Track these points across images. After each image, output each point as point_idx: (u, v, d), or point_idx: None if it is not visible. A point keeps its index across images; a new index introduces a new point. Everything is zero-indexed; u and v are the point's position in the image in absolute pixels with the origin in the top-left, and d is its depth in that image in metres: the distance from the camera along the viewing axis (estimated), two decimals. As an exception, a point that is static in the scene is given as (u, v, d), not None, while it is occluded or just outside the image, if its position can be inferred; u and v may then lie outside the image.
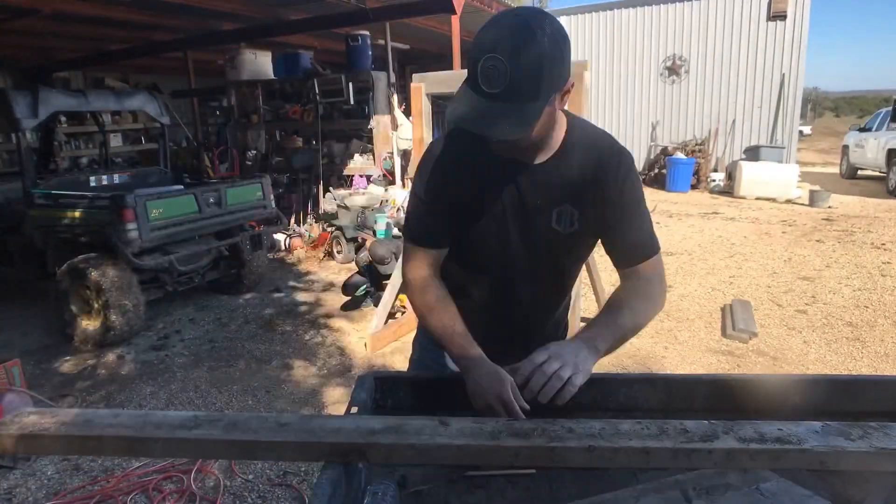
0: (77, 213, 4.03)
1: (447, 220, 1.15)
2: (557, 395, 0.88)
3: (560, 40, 0.93)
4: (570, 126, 1.12)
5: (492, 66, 0.89)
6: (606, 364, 3.76)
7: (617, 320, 1.07)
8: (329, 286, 5.36)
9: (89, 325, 4.00)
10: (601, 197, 1.11)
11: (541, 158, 1.10)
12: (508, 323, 1.24)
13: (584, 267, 3.69)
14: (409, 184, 6.53)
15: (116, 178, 5.01)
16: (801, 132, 13.76)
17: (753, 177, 9.30)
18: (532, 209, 1.12)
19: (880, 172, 10.60)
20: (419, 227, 1.19)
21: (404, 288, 1.25)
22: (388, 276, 4.36)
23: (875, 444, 0.85)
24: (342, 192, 6.64)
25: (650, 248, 1.15)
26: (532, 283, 1.20)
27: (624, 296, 1.13)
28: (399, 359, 3.72)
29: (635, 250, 1.15)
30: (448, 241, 1.19)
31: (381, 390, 1.17)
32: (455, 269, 1.22)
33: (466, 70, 0.94)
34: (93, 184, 4.78)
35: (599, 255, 5.28)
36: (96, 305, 3.93)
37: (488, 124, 0.92)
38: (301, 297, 5.08)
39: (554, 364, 0.91)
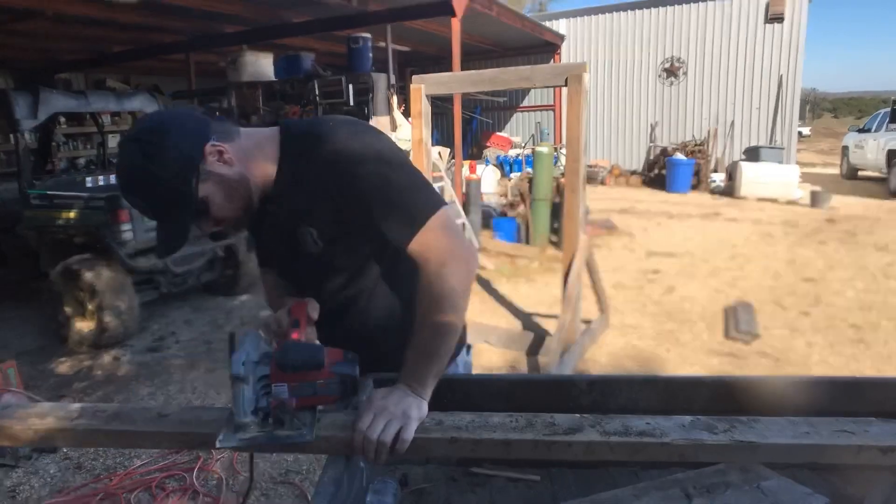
0: (72, 214, 4.02)
1: (260, 251, 1.28)
2: (394, 452, 0.87)
3: (151, 138, 0.97)
4: (282, 155, 1.08)
5: (134, 205, 1.02)
6: (607, 365, 3.73)
7: (424, 344, 0.99)
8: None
9: (84, 326, 3.98)
10: (329, 209, 1.05)
11: (260, 200, 1.09)
12: (329, 318, 1.18)
13: (584, 268, 3.68)
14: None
15: (113, 179, 5.01)
16: (800, 133, 13.77)
17: (754, 177, 9.29)
18: (284, 240, 1.13)
19: (881, 173, 10.60)
20: None
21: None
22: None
23: (735, 438, 0.86)
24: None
25: (410, 222, 1.01)
26: (323, 291, 1.16)
27: (419, 305, 1.03)
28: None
29: (396, 233, 1.03)
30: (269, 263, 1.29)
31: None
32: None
33: None
34: (89, 184, 4.78)
35: (600, 256, 5.22)
36: (90, 307, 3.90)
37: (173, 243, 1.03)
38: (301, 298, 5.07)
39: (379, 424, 0.87)
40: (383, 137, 1.08)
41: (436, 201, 1.04)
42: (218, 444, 0.88)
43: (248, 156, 1.04)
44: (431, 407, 0.95)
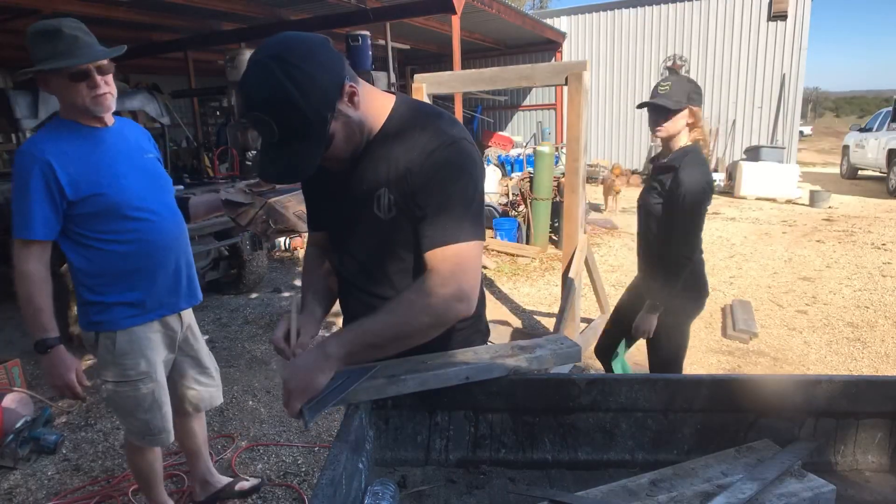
0: (77, 213, 4.02)
1: (313, 209, 1.29)
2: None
3: (300, 63, 0.94)
4: (392, 113, 1.10)
5: (257, 122, 0.96)
6: (607, 365, 3.68)
7: (368, 325, 1.02)
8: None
9: (89, 325, 4.00)
10: (411, 181, 1.05)
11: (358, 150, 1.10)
12: (364, 298, 1.20)
13: (584, 267, 3.68)
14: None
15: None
16: (801, 132, 13.77)
17: (754, 177, 9.30)
18: (357, 196, 1.12)
19: (881, 172, 10.60)
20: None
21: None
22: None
23: None
24: (342, 192, 6.63)
25: (444, 237, 1.02)
26: (368, 268, 1.18)
27: (398, 296, 1.05)
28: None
29: (427, 238, 1.03)
30: (321, 225, 1.29)
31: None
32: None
33: None
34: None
35: (599, 256, 5.21)
36: (96, 306, 3.93)
37: (301, 172, 1.00)
38: (301, 297, 5.07)
39: (288, 385, 0.97)
40: (478, 157, 1.09)
41: (481, 231, 1.06)
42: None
43: (367, 103, 1.05)
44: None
